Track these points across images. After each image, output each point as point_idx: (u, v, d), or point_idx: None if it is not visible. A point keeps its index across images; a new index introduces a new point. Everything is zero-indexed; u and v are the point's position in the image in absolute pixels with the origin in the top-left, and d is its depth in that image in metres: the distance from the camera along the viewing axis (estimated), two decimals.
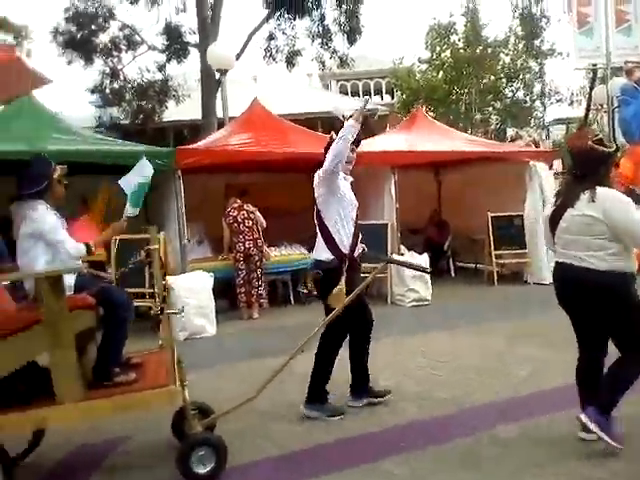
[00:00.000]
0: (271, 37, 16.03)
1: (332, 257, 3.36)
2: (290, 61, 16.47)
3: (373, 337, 3.66)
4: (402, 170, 7.94)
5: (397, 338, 5.33)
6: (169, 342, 2.83)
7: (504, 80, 21.72)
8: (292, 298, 7.61)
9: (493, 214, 8.43)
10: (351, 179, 3.59)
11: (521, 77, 21.92)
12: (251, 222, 6.85)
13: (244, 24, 17.73)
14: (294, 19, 15.70)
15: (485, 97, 22.08)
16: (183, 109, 16.09)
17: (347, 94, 30.86)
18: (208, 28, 14.33)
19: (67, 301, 2.62)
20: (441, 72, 23.28)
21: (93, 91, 16.06)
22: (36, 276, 2.66)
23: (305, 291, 7.50)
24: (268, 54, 16.12)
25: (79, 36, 15.16)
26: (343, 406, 3.58)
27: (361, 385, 3.64)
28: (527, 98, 22.48)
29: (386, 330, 5.13)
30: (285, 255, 7.49)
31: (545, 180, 8.33)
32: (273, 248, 7.48)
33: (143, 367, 3.09)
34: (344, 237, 3.40)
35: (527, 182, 8.34)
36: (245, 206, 6.90)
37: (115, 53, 15.89)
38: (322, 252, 3.42)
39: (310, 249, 4.09)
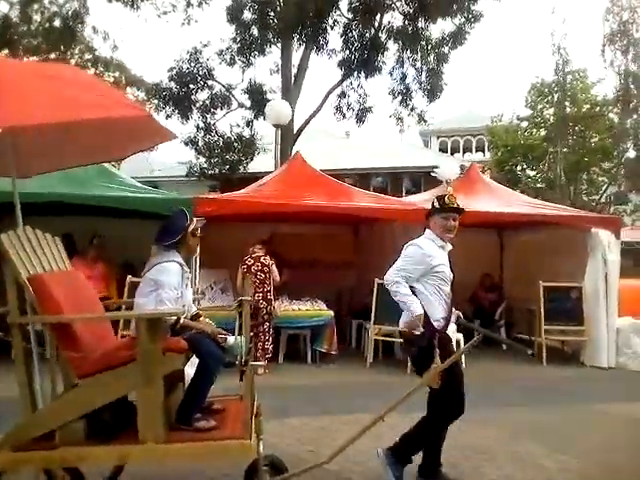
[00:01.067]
0: (342, 94, 16.99)
1: (423, 331, 3.44)
2: (360, 118, 17.27)
3: None
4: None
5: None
6: (250, 393, 3.03)
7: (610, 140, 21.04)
8: (309, 356, 7.64)
9: (545, 284, 8.03)
10: (450, 247, 3.71)
11: (631, 136, 21.14)
12: (264, 275, 6.98)
13: (326, 83, 18.93)
14: (366, 78, 16.58)
15: (594, 156, 21.45)
16: (266, 160, 17.36)
17: (447, 150, 31.24)
18: (291, 87, 15.46)
19: (162, 343, 2.91)
20: (541, 130, 23.04)
21: (187, 143, 17.64)
22: (137, 317, 3.01)
23: (323, 349, 7.54)
24: (338, 111, 17.02)
25: (180, 93, 16.93)
26: None
27: (432, 467, 3.62)
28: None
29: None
30: (303, 310, 7.60)
31: (609, 250, 7.93)
32: (294, 301, 7.69)
33: (224, 414, 3.31)
34: (437, 312, 3.50)
35: (588, 251, 7.98)
36: (262, 258, 7.07)
37: (210, 109, 17.54)
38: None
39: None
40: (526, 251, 9.38)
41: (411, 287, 3.51)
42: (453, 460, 3.86)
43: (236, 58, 17.07)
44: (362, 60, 15.91)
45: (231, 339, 3.39)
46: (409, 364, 6.37)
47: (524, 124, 23.87)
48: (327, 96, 16.68)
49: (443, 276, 3.55)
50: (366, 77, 16.58)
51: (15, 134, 3.02)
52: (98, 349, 3.03)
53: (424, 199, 9.41)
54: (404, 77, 17.06)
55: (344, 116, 17.27)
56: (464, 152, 33.22)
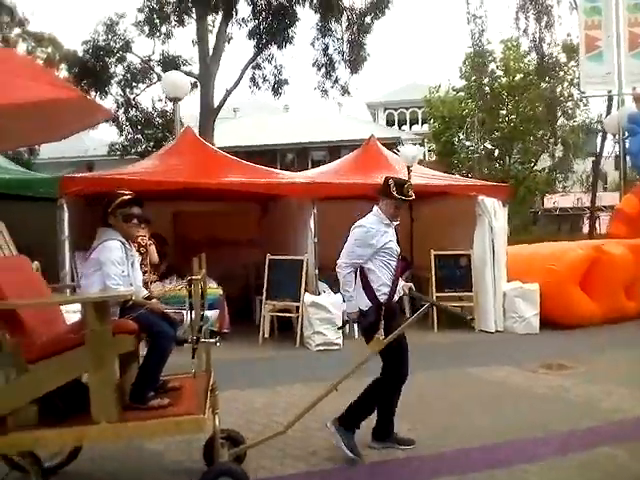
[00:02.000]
0: (257, 66, 17.32)
1: (370, 305, 3.84)
2: (276, 90, 17.72)
3: None
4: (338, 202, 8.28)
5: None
6: (207, 370, 3.29)
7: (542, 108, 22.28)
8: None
9: (436, 252, 8.66)
10: (397, 223, 4.06)
11: (562, 106, 22.55)
12: (140, 256, 6.78)
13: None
14: (279, 48, 16.92)
15: (528, 125, 22.65)
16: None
17: (394, 122, 31.77)
18: (208, 60, 15.42)
19: (111, 325, 3.10)
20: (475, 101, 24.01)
21: (107, 120, 17.20)
22: (83, 301, 3.17)
23: (215, 328, 7.27)
24: (253, 83, 17.35)
25: (97, 67, 16.47)
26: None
27: (386, 430, 4.03)
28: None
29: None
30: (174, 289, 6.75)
31: (495, 217, 8.45)
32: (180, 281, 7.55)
33: (179, 392, 3.54)
34: (384, 287, 3.87)
35: (476, 218, 8.51)
36: (140, 238, 7.01)
37: (131, 83, 17.18)
38: (361, 300, 3.90)
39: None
40: (427, 221, 10.06)
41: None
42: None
43: (155, 29, 16.77)
44: (271, 30, 16.12)
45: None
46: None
47: (461, 94, 24.81)
48: (245, 69, 16.81)
49: (391, 252, 3.92)
50: (279, 47, 16.81)
51: None
52: (46, 334, 3.20)
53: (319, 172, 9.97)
54: (326, 48, 17.52)
55: (258, 88, 17.58)
56: (411, 124, 34.16)
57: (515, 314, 8.37)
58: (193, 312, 3.27)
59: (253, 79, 17.29)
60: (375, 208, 4.04)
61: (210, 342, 3.32)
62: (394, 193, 3.88)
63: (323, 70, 17.73)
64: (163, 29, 16.89)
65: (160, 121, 17.70)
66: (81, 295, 3.36)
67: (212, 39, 16.24)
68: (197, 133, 15.45)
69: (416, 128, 33.26)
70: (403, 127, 33.50)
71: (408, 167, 4.49)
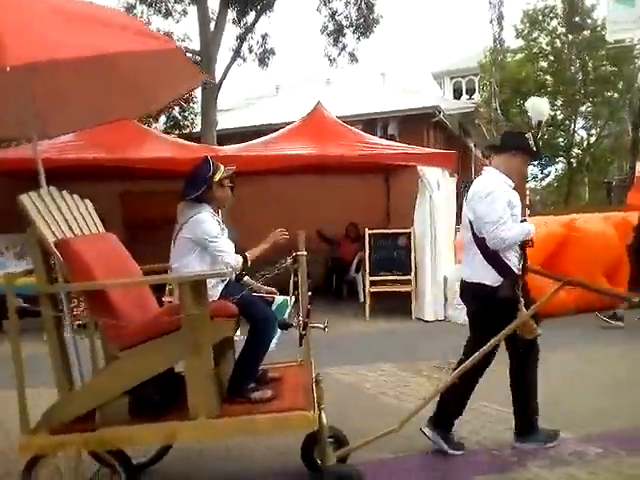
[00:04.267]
0: (242, 37, 16.46)
1: (501, 280, 3.30)
2: (262, 60, 17.02)
3: None
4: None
5: None
6: (308, 360, 2.97)
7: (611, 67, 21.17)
8: None
9: (372, 231, 7.81)
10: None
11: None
12: None
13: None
14: (258, 16, 16.01)
15: (596, 86, 21.59)
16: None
17: (461, 92, 30.71)
18: (208, 37, 14.81)
19: (209, 308, 2.82)
20: (535, 62, 23.10)
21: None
22: (179, 280, 2.90)
23: None
24: (238, 55, 16.50)
25: None
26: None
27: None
28: None
29: None
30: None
31: (437, 189, 7.54)
32: None
33: (280, 383, 3.27)
34: (514, 258, 3.38)
35: (417, 192, 7.60)
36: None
37: None
38: (485, 275, 3.36)
39: None
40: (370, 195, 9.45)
41: (481, 238, 3.35)
42: None
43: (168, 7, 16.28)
44: None
45: (279, 298, 3.34)
46: None
47: (519, 56, 23.87)
48: (242, 42, 16.20)
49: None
50: (257, 15, 15.95)
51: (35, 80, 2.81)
52: (138, 318, 2.93)
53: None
54: (334, 13, 16.73)
55: (244, 60, 16.88)
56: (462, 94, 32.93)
57: (456, 301, 7.07)
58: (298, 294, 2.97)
59: (237, 51, 16.42)
60: (491, 169, 3.53)
61: (319, 327, 3.00)
62: (533, 147, 3.40)
63: (332, 37, 16.96)
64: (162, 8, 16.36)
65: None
66: (176, 274, 3.07)
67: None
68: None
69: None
70: (474, 96, 32.20)
71: (539, 122, 3.87)
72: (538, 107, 3.72)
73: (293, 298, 3.30)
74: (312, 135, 8.19)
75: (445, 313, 7.56)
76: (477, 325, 3.52)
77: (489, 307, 3.34)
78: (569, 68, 22.45)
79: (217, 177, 3.22)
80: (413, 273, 7.60)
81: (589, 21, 21.52)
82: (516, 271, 3.34)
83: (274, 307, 3.27)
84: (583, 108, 22.94)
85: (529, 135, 3.44)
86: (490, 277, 3.33)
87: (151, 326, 2.88)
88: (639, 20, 14.58)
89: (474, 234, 3.42)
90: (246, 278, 3.34)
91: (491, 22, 21.41)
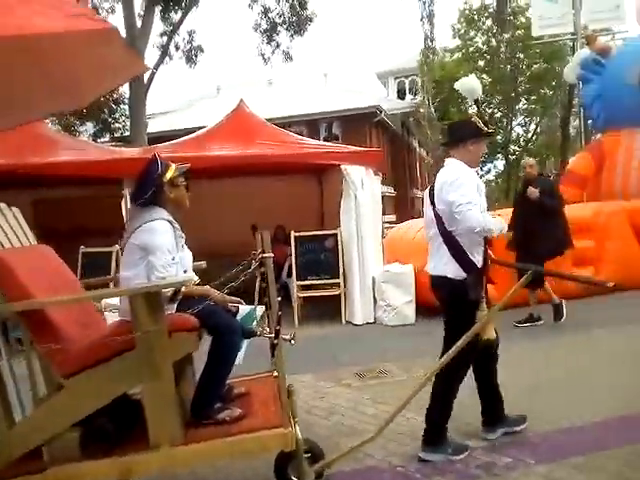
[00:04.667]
0: (166, 34, 16.21)
1: (464, 274, 3.20)
2: (189, 58, 16.79)
3: None
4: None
5: None
6: (282, 371, 2.71)
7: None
8: None
9: (297, 233, 7.50)
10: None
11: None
12: None
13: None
14: (174, 12, 15.80)
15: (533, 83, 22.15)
16: None
17: (405, 91, 30.77)
18: (136, 33, 14.18)
19: (166, 323, 2.52)
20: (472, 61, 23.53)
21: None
22: (130, 293, 2.55)
23: None
24: (165, 53, 16.14)
25: None
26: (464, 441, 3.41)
27: (495, 412, 3.50)
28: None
29: None
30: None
31: (362, 188, 7.29)
32: None
33: (249, 399, 2.99)
34: (476, 250, 3.27)
35: (342, 192, 7.34)
36: None
37: None
38: (449, 269, 3.24)
39: None
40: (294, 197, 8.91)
41: (449, 232, 3.24)
42: None
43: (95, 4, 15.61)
44: None
45: (245, 308, 3.04)
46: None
47: (457, 56, 24.28)
48: (169, 39, 15.80)
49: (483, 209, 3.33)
50: (184, 12, 15.59)
51: None
52: (84, 338, 2.59)
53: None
54: (266, 11, 16.62)
55: (171, 58, 16.57)
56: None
57: (384, 302, 7.12)
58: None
59: (164, 49, 15.99)
60: (453, 160, 3.38)
61: (285, 339, 2.73)
62: (484, 129, 3.29)
63: (265, 35, 16.89)
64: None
65: None
66: (127, 287, 2.69)
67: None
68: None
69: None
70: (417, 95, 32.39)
71: (476, 100, 3.64)
72: (468, 86, 3.65)
73: (262, 307, 3.05)
74: (234, 136, 7.74)
75: (375, 315, 7.26)
76: (447, 318, 3.42)
77: (452, 299, 3.29)
78: (505, 67, 23.03)
79: (168, 176, 2.88)
80: (341, 276, 7.29)
81: (523, 20, 22.10)
82: (479, 266, 3.25)
83: (239, 317, 2.98)
84: (520, 105, 23.56)
85: (475, 118, 3.33)
86: (452, 270, 3.23)
87: (100, 347, 2.54)
88: (564, 16, 14.97)
89: (441, 229, 3.29)
90: (206, 287, 3.03)
91: (422, 20, 21.54)
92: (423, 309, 6.83)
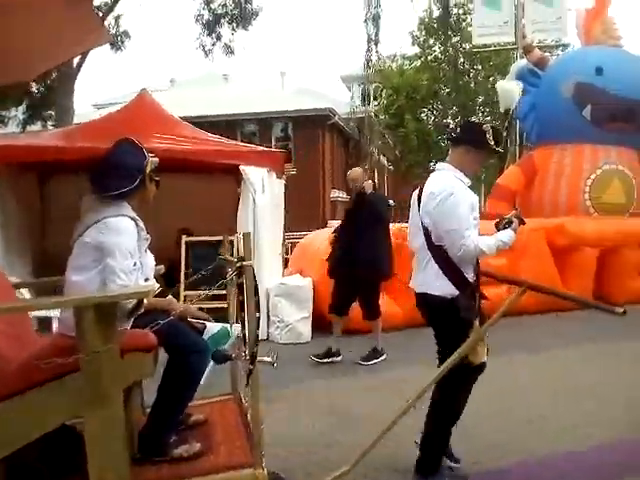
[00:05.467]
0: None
1: (456, 292, 2.94)
2: (115, 44, 16.36)
3: None
4: None
5: None
6: (257, 401, 2.35)
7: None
8: None
9: (189, 238, 6.95)
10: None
11: None
12: None
13: None
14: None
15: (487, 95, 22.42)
16: None
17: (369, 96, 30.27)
18: None
19: (120, 340, 2.12)
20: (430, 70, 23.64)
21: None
22: (77, 304, 2.08)
23: None
24: None
25: None
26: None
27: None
28: None
29: None
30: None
31: (262, 191, 6.74)
32: None
33: (209, 429, 2.62)
34: (468, 268, 3.02)
35: (239, 195, 6.83)
36: None
37: None
38: (441, 288, 2.98)
39: None
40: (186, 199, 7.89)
41: (438, 245, 2.98)
42: None
43: None
44: None
45: (213, 326, 2.65)
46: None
47: (415, 64, 24.38)
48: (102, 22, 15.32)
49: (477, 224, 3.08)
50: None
51: None
52: (14, 358, 2.16)
53: None
54: (209, 2, 16.34)
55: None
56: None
57: (277, 318, 6.59)
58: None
59: None
60: (447, 165, 3.10)
61: (266, 361, 2.42)
62: (490, 141, 3.00)
63: (206, 27, 16.60)
64: None
65: None
66: (74, 296, 2.25)
67: None
68: None
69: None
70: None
71: (507, 110, 3.22)
72: (508, 92, 3.41)
73: (238, 326, 2.66)
74: (127, 128, 6.20)
75: (268, 331, 6.64)
76: (438, 340, 3.16)
77: (443, 319, 3.03)
78: (462, 77, 23.32)
79: (149, 169, 2.53)
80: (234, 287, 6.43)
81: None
82: (471, 281, 3.01)
83: (207, 337, 2.59)
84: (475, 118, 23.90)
85: (488, 128, 3.05)
86: (443, 289, 2.96)
87: (34, 368, 2.08)
88: (505, 25, 14.89)
89: (429, 241, 3.02)
90: (169, 298, 2.67)
91: (365, 22, 20.55)
92: (323, 324, 6.22)
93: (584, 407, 4.16)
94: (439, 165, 3.21)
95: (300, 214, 17.32)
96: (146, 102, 7.56)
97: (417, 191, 3.20)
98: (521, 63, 11.34)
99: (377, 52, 20.89)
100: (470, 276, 2.99)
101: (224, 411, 2.85)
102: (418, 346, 5.20)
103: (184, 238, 6.93)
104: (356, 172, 5.76)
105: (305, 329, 6.52)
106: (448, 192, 2.91)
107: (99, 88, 64.08)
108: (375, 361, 5.53)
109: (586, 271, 8.14)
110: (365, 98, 26.71)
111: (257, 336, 2.29)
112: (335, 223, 16.93)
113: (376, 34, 20.50)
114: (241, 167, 6.66)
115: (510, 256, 7.25)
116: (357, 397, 4.57)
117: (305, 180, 19.43)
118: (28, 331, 2.51)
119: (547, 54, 12.34)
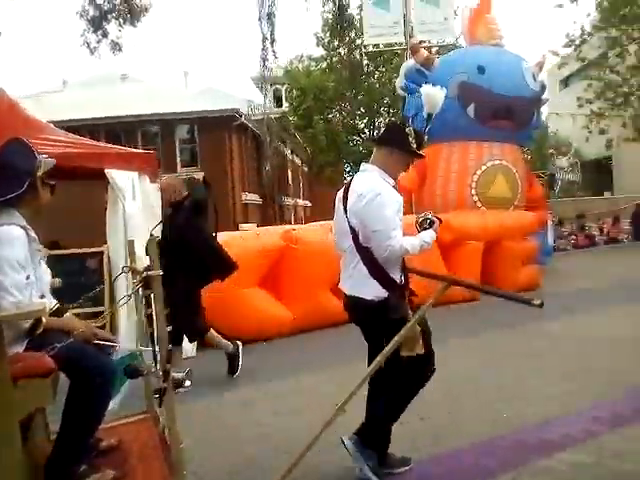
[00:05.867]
0: None
1: (386, 294, 2.93)
2: None
3: None
4: None
5: None
6: (173, 425, 2.24)
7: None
8: None
9: (54, 252, 6.09)
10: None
11: None
12: None
13: None
14: None
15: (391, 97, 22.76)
16: None
17: (281, 98, 29.67)
18: None
19: (12, 365, 1.94)
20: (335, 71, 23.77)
21: None
22: None
23: None
24: None
25: None
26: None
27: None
28: None
29: None
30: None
31: (132, 198, 6.05)
32: None
33: (122, 454, 2.48)
34: (394, 269, 3.02)
35: (107, 202, 6.15)
36: None
37: None
38: (368, 290, 2.97)
39: None
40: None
41: (365, 247, 2.97)
42: None
43: None
44: None
45: (121, 350, 2.55)
46: None
47: (321, 65, 24.45)
48: None
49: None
50: None
51: None
52: None
53: None
54: None
55: None
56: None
57: None
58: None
59: None
60: (371, 166, 3.10)
61: (178, 378, 2.48)
62: (412, 144, 3.08)
63: (91, 23, 15.64)
64: None
65: None
66: None
67: None
68: None
69: None
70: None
71: (429, 115, 3.13)
72: (434, 98, 3.46)
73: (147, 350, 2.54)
74: None
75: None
76: (369, 340, 3.18)
77: (374, 322, 3.01)
78: (368, 78, 23.77)
79: (41, 171, 2.35)
80: (107, 303, 5.95)
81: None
82: (399, 282, 3.02)
83: (119, 356, 2.51)
84: (381, 120, 24.52)
85: (410, 130, 3.10)
86: (372, 291, 2.95)
87: None
88: (395, 26, 15.05)
89: (356, 243, 3.00)
90: (68, 317, 2.51)
91: (260, 20, 19.90)
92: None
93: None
94: (364, 166, 3.18)
95: (211, 217, 17.19)
96: (4, 102, 6.29)
97: (342, 192, 3.16)
98: (409, 63, 11.53)
99: (273, 52, 20.22)
100: (397, 276, 3.00)
101: (139, 431, 2.72)
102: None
103: (47, 251, 6.00)
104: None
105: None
106: (375, 192, 2.91)
107: None
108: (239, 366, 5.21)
109: (473, 263, 8.57)
110: (272, 99, 26.61)
111: (170, 351, 2.19)
112: (247, 227, 16.93)
113: (272, 33, 19.81)
114: (106, 170, 5.97)
115: None
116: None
117: (212, 183, 19.24)
118: None
119: (434, 55, 12.43)
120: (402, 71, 11.63)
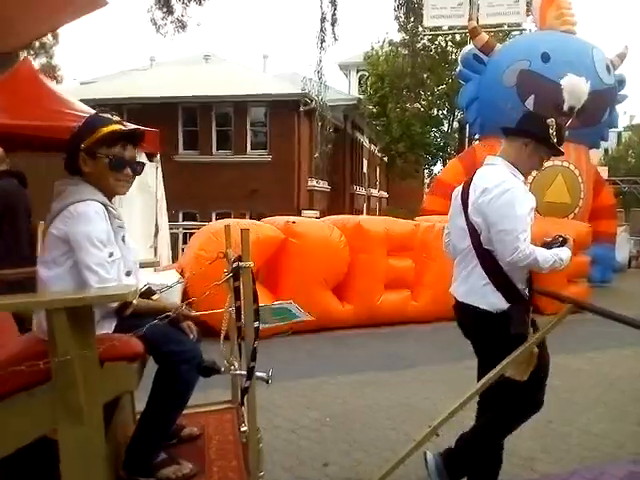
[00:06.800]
0: None
1: (506, 305, 2.65)
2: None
3: None
4: None
5: None
6: (254, 424, 2.17)
7: None
8: None
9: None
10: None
11: None
12: None
13: None
14: None
15: None
16: None
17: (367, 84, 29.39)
18: None
19: (99, 347, 1.88)
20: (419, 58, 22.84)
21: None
22: (45, 306, 1.85)
23: None
24: None
25: None
26: None
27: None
28: None
29: None
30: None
31: None
32: None
33: (202, 444, 2.44)
34: (522, 275, 2.74)
35: None
36: None
37: None
38: (485, 297, 2.70)
39: None
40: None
41: (487, 250, 2.69)
42: None
43: None
44: None
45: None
46: None
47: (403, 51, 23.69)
48: None
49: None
50: None
51: None
52: None
53: None
54: None
55: None
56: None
57: None
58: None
59: None
60: (499, 159, 2.83)
61: (262, 378, 2.16)
62: (553, 137, 2.72)
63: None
64: None
65: None
66: (44, 296, 2.04)
67: None
68: None
69: None
70: None
71: (571, 107, 3.03)
72: (577, 88, 3.07)
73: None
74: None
75: None
76: (480, 354, 2.91)
77: (489, 335, 2.73)
78: (451, 67, 22.75)
79: (88, 142, 2.20)
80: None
81: None
82: (525, 294, 2.72)
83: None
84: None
85: (552, 122, 2.76)
86: (491, 301, 2.67)
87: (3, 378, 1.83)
88: (459, 7, 13.93)
89: (476, 245, 2.72)
90: (156, 296, 2.44)
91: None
92: (203, 327, 5.39)
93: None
94: (489, 159, 2.91)
95: (274, 202, 17.37)
96: (25, 73, 6.73)
97: (460, 188, 2.91)
98: (467, 48, 10.82)
99: (333, 33, 18.10)
100: (521, 288, 2.71)
101: (221, 423, 2.63)
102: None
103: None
104: None
105: None
106: (505, 187, 2.63)
107: (84, 66, 63.19)
108: None
109: None
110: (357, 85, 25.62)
111: (255, 349, 2.08)
112: (310, 213, 17.06)
113: (333, 13, 17.78)
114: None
115: (415, 257, 7.34)
116: None
117: (280, 167, 19.46)
118: (8, 332, 2.34)
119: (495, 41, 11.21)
120: (459, 57, 11.00)
